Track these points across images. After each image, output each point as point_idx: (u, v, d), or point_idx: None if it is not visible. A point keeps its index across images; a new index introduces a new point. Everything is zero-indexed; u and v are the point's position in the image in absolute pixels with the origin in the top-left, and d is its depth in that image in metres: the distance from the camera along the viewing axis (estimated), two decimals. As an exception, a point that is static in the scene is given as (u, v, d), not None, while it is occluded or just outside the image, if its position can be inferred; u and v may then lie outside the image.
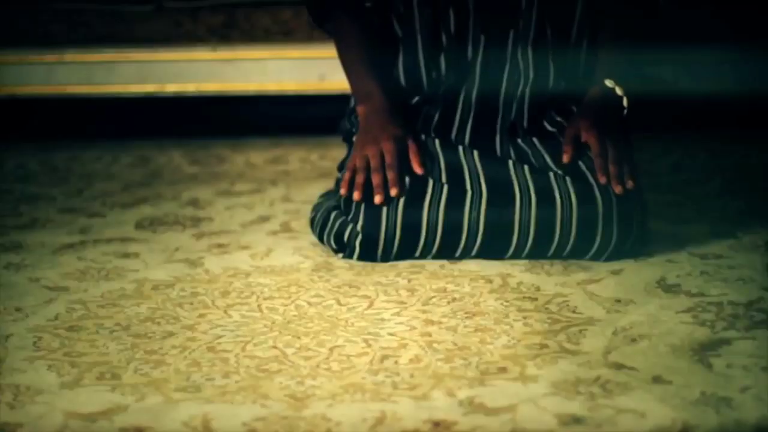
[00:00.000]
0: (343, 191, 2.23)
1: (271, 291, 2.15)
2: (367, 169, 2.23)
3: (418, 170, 2.21)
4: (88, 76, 3.32)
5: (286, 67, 3.20)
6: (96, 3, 3.33)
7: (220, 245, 2.44)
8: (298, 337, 1.91)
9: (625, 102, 2.25)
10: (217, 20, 3.34)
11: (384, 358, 1.82)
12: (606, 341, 1.86)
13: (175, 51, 3.30)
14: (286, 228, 2.53)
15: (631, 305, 2.01)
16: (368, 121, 2.28)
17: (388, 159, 2.20)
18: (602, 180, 2.16)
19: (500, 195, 2.18)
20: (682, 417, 1.59)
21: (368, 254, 2.24)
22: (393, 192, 2.17)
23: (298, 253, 2.34)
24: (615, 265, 2.21)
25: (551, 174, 2.19)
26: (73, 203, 2.84)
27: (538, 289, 2.10)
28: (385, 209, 2.20)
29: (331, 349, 1.86)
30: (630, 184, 2.17)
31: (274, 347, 1.88)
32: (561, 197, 2.17)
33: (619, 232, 2.18)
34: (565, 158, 2.18)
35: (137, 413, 1.66)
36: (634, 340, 1.86)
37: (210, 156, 3.25)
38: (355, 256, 2.24)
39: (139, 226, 2.62)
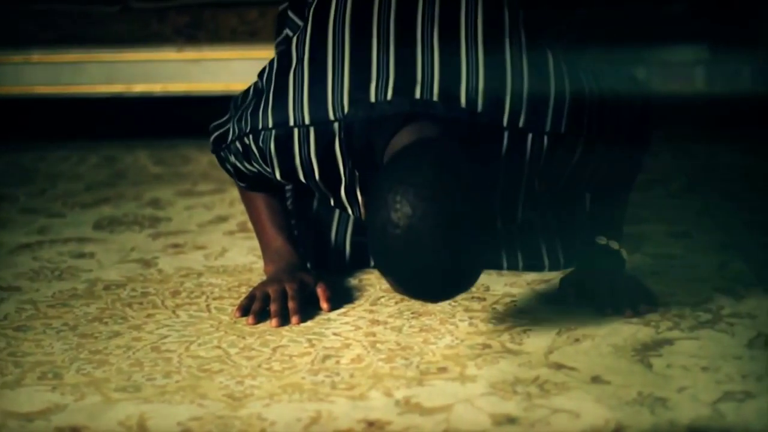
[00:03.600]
0: (237, 314, 2.00)
1: (222, 291, 2.14)
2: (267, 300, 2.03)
3: (324, 307, 2.02)
4: (56, 77, 3.32)
5: (253, 67, 3.15)
6: (63, 3, 3.33)
7: (175, 245, 2.44)
8: (243, 337, 1.91)
9: (624, 255, 2.08)
10: (184, 20, 3.33)
11: (326, 358, 1.82)
12: (549, 341, 1.86)
13: (141, 51, 3.30)
14: (243, 228, 2.52)
15: (579, 305, 2.01)
16: (276, 274, 2.09)
17: (290, 293, 2.01)
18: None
19: None
20: (616, 417, 1.60)
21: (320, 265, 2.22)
22: (294, 320, 1.97)
23: (252, 254, 2.34)
24: (567, 265, 2.22)
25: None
26: (35, 203, 2.84)
27: (487, 289, 2.10)
28: (333, 233, 2.19)
29: (274, 349, 1.86)
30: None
31: (218, 347, 1.88)
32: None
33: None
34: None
35: (75, 413, 1.66)
36: (577, 340, 1.86)
37: (176, 156, 3.25)
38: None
39: (97, 226, 2.61)
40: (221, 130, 2.04)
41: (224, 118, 2.07)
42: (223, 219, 2.63)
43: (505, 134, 1.86)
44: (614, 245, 2.07)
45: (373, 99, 1.86)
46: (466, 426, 1.59)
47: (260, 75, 2.00)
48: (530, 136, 1.86)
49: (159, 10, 3.34)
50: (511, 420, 1.60)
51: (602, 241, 2.07)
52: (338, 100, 1.88)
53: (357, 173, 1.90)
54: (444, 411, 1.63)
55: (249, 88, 2.03)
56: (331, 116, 1.88)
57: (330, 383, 1.73)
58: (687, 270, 2.19)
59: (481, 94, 1.85)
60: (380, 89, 1.86)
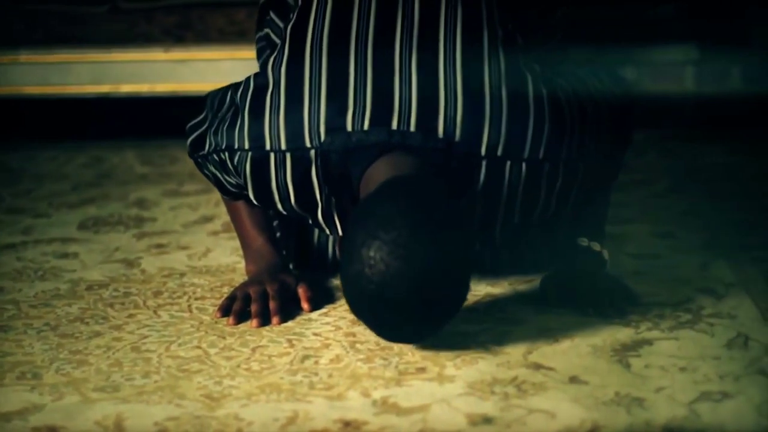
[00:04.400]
0: (217, 315, 2.00)
1: (204, 291, 2.15)
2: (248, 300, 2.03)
3: (305, 307, 2.02)
4: (44, 77, 3.32)
5: (240, 67, 3.18)
6: (51, 4, 3.33)
7: (159, 245, 2.44)
8: (224, 338, 1.92)
9: (606, 255, 2.08)
10: (172, 21, 3.34)
11: (305, 358, 1.82)
12: (529, 342, 1.86)
13: (129, 52, 3.30)
14: (227, 228, 2.52)
15: (559, 306, 2.01)
16: (257, 275, 2.09)
17: (271, 293, 2.01)
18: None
19: None
20: (592, 417, 1.60)
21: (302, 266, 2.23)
22: (275, 321, 1.96)
23: (235, 254, 2.34)
24: (549, 265, 2.22)
25: None
26: (21, 203, 2.84)
27: (469, 289, 2.09)
28: (315, 234, 2.19)
29: (254, 350, 1.86)
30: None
31: (198, 347, 1.88)
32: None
33: None
34: None
35: (52, 413, 1.67)
36: (556, 341, 1.86)
37: (163, 156, 3.25)
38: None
39: (82, 226, 2.62)
40: (198, 132, 2.03)
41: (200, 117, 2.06)
42: (208, 219, 2.63)
43: (483, 163, 1.85)
44: (596, 246, 2.07)
45: (350, 128, 1.86)
46: (442, 426, 1.59)
47: (236, 87, 1.98)
48: (508, 163, 1.86)
49: (147, 11, 3.35)
50: (487, 420, 1.60)
51: (584, 242, 2.07)
52: (315, 128, 1.87)
53: (333, 199, 1.90)
54: (421, 411, 1.63)
55: (228, 89, 2.02)
56: (308, 143, 1.88)
57: (308, 383, 1.73)
58: (669, 270, 2.19)
59: (459, 124, 1.85)
60: (357, 118, 1.86)
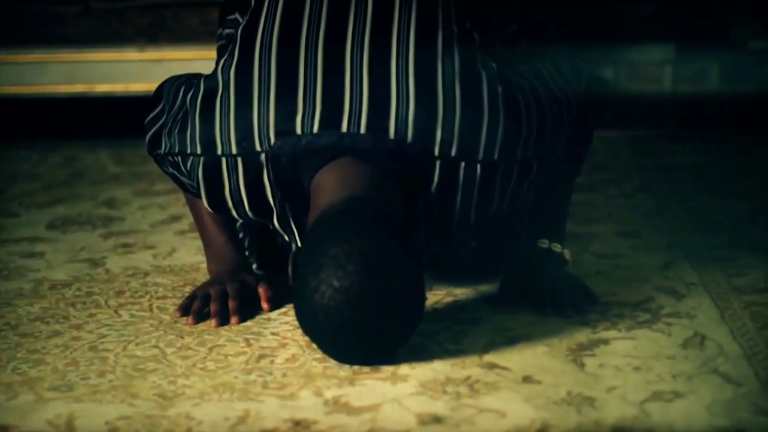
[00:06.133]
0: (177, 314, 2.00)
1: (166, 291, 2.15)
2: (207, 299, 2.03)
3: (265, 307, 2.02)
4: (18, 77, 3.33)
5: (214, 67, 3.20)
6: (24, 3, 3.33)
7: (125, 245, 2.44)
8: (182, 337, 1.92)
9: (567, 255, 2.08)
10: (145, 21, 3.34)
11: (261, 357, 1.83)
12: (486, 341, 1.86)
13: (103, 51, 3.31)
14: (194, 227, 2.51)
15: (519, 306, 2.01)
16: (218, 274, 2.09)
17: (230, 293, 2.01)
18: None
19: None
20: (542, 417, 1.60)
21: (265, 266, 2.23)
22: (233, 321, 1.96)
23: (200, 253, 2.34)
24: (511, 265, 2.22)
25: None
26: (-9, 203, 2.85)
27: (430, 288, 2.10)
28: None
29: (210, 349, 1.87)
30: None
31: (156, 347, 1.88)
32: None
33: None
34: None
35: (5, 412, 1.67)
36: (513, 340, 1.86)
37: (136, 156, 3.24)
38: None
39: (50, 226, 2.62)
40: (155, 129, 2.02)
41: (158, 109, 2.03)
42: (176, 218, 2.63)
43: (437, 164, 1.85)
44: (556, 247, 2.07)
45: (299, 131, 1.85)
46: (392, 425, 1.59)
47: (188, 87, 1.96)
48: (462, 164, 1.86)
49: (120, 11, 3.35)
50: (437, 419, 1.60)
51: (544, 244, 2.07)
52: (264, 131, 1.86)
53: (288, 204, 1.90)
54: (371, 410, 1.63)
55: (182, 84, 1.99)
56: (258, 147, 1.87)
57: (262, 383, 1.73)
58: (631, 270, 2.20)
59: (411, 125, 1.84)
60: (307, 121, 1.85)
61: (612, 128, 3.34)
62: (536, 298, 2.00)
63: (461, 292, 2.09)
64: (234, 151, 1.87)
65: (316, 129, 1.83)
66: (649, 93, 3.53)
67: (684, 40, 3.48)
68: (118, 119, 3.44)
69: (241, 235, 2.18)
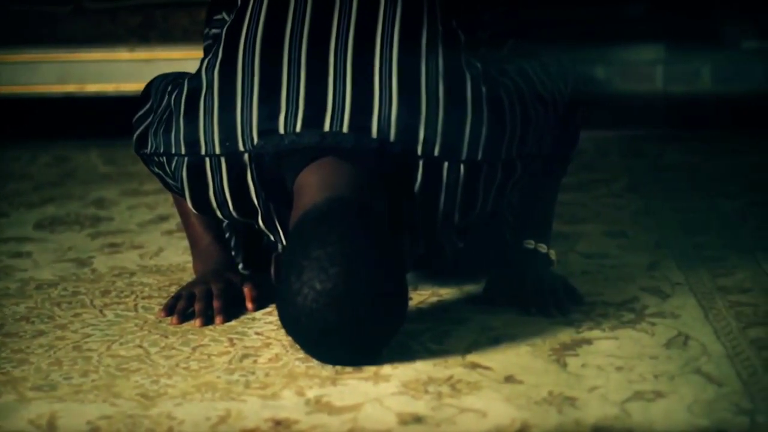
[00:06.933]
0: (162, 314, 2.01)
1: (152, 290, 2.15)
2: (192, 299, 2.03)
3: (249, 307, 2.03)
4: (10, 77, 3.33)
5: (205, 67, 3.20)
6: (16, 3, 3.33)
7: (112, 245, 2.45)
8: (166, 336, 1.92)
9: (553, 255, 2.08)
10: (136, 21, 3.34)
11: (244, 357, 1.83)
12: (470, 341, 1.86)
13: (94, 51, 3.31)
14: (182, 227, 2.52)
15: (504, 306, 2.01)
16: (203, 274, 2.10)
17: (215, 293, 2.01)
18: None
19: None
20: (523, 416, 1.60)
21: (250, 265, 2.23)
22: (218, 320, 1.97)
23: (187, 253, 2.34)
24: (497, 265, 2.22)
25: None
26: (-20, 203, 2.85)
27: (415, 288, 2.10)
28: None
29: (194, 348, 1.87)
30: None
31: (139, 346, 1.88)
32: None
33: None
34: None
35: (-13, 412, 1.67)
36: (496, 340, 1.86)
37: (126, 156, 3.24)
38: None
39: (38, 226, 2.62)
40: (142, 128, 2.02)
41: (146, 107, 2.03)
42: (163, 218, 2.64)
43: (420, 163, 1.85)
44: (542, 248, 2.07)
45: (282, 130, 1.84)
46: (373, 425, 1.59)
47: (174, 86, 1.97)
48: (446, 164, 1.85)
49: (111, 11, 3.35)
50: (417, 419, 1.60)
51: (530, 244, 2.07)
52: (247, 131, 1.85)
53: (272, 204, 1.90)
54: (352, 410, 1.63)
55: (170, 82, 2.00)
56: (241, 147, 1.86)
57: (244, 382, 1.73)
58: (617, 269, 2.20)
59: (394, 124, 1.83)
60: (290, 120, 1.84)
61: (602, 128, 3.34)
62: (521, 299, 2.00)
63: (446, 292, 2.09)
64: (218, 151, 1.87)
65: (299, 128, 1.83)
66: (641, 93, 3.53)
67: (675, 40, 3.49)
68: (109, 119, 3.43)
69: (227, 235, 2.18)
